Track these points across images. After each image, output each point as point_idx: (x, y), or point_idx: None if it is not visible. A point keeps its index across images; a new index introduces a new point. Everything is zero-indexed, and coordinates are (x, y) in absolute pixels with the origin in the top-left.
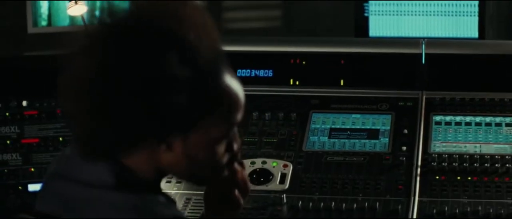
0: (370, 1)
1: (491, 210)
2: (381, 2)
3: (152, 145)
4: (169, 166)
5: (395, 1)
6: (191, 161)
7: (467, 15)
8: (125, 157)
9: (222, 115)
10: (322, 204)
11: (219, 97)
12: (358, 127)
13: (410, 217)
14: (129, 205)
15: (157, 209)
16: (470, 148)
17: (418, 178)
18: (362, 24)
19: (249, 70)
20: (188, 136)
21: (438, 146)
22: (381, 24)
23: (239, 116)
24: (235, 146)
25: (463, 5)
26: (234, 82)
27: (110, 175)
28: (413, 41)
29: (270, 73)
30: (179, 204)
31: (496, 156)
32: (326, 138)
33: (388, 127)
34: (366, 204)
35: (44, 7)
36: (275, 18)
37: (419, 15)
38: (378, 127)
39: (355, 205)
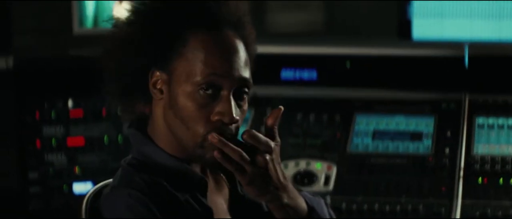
0: (413, 2)
1: None
2: (424, 3)
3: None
4: (166, 123)
5: (439, 2)
6: (175, 111)
7: (511, 18)
8: (146, 110)
9: (189, 58)
10: (365, 205)
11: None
12: (402, 129)
13: None
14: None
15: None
16: None
17: (461, 180)
18: (405, 26)
19: (293, 72)
20: (170, 78)
21: (481, 149)
22: (425, 26)
23: (210, 64)
24: (222, 112)
25: (508, 8)
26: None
27: (134, 152)
28: (457, 44)
29: (314, 75)
30: None
31: None
32: (370, 140)
33: (431, 129)
34: (409, 206)
35: (90, 7)
36: (317, 21)
37: (462, 17)
38: (421, 129)
39: (398, 207)
